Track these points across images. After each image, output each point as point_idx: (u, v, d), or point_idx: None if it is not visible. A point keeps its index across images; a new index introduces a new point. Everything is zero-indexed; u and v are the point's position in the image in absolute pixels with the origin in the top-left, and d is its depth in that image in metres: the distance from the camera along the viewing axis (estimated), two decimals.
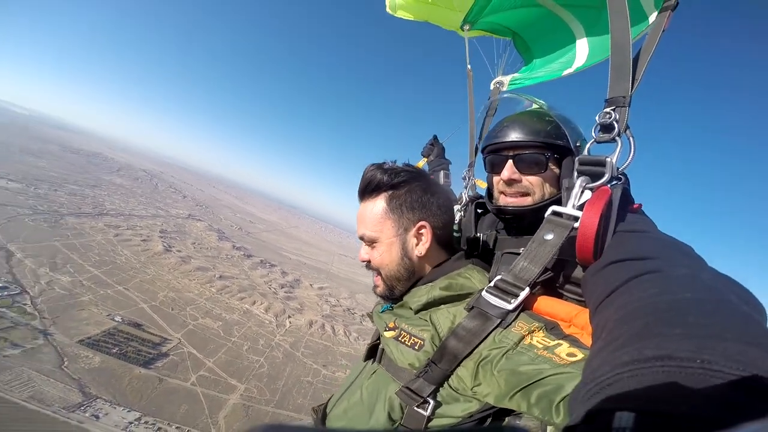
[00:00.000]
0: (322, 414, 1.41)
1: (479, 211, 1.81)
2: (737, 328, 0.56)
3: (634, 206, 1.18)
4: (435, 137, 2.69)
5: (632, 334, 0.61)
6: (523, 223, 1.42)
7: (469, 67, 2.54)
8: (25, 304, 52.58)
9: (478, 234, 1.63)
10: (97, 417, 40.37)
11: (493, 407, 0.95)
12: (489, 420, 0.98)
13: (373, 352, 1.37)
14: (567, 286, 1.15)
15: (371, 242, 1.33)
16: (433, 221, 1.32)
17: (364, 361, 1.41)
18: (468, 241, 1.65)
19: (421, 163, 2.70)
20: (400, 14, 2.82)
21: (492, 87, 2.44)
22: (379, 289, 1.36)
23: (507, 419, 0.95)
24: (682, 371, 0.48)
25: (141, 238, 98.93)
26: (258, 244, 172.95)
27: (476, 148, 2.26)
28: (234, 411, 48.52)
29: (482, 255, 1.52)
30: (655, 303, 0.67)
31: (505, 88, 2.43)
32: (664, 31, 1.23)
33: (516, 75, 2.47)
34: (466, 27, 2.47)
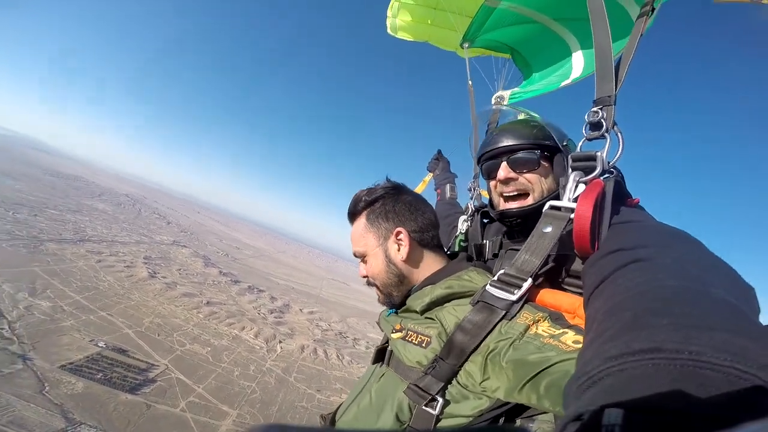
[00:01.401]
0: (330, 421, 1.43)
1: (485, 220, 1.89)
2: (723, 318, 0.55)
3: (632, 201, 1.21)
4: (439, 152, 2.78)
5: (621, 326, 0.60)
6: (527, 225, 1.41)
7: (470, 82, 2.59)
8: (2, 329, 49.71)
9: (484, 241, 1.69)
10: None
11: (505, 404, 0.95)
12: (502, 420, 0.96)
13: (382, 355, 1.39)
14: (568, 280, 1.18)
15: (362, 257, 1.42)
16: (409, 226, 1.38)
17: (373, 364, 1.43)
18: (475, 248, 1.71)
19: (428, 178, 2.74)
20: (401, 35, 2.91)
21: (493, 101, 2.50)
22: (380, 299, 1.42)
23: (519, 422, 0.94)
24: (670, 363, 0.47)
25: (125, 264, 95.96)
26: (245, 269, 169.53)
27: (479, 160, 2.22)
28: None
29: (489, 261, 1.60)
30: (643, 293, 0.67)
31: (506, 102, 2.49)
32: (642, 35, 1.31)
33: (516, 89, 2.54)
34: (466, 45, 2.58)
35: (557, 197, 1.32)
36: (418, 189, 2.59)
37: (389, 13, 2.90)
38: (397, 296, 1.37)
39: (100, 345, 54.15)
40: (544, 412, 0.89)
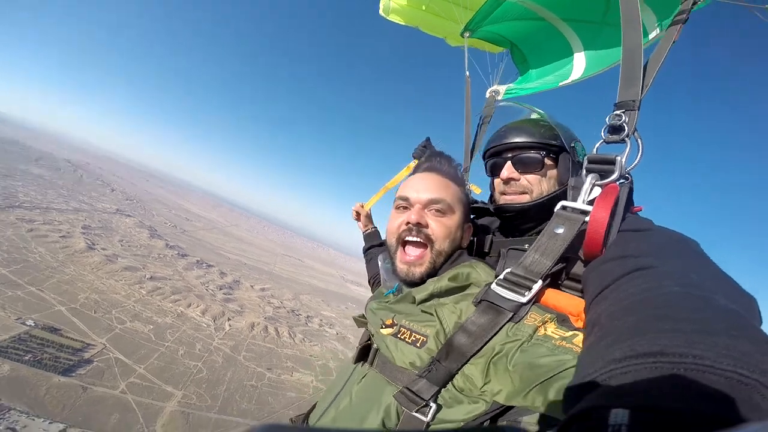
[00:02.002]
0: (303, 423, 1.39)
1: (472, 215, 1.86)
2: (726, 324, 0.56)
3: (635, 209, 1.22)
4: (428, 139, 2.66)
5: (624, 330, 0.61)
6: (524, 221, 1.50)
7: (467, 73, 2.58)
8: None
9: (473, 238, 1.66)
10: (14, 430, 35.58)
11: (501, 407, 0.93)
12: (487, 422, 0.96)
13: (364, 353, 1.31)
14: (567, 282, 1.16)
15: (444, 211, 1.29)
16: (476, 235, 1.47)
17: (354, 363, 1.35)
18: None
19: (412, 164, 2.62)
20: (393, 18, 2.88)
21: (488, 95, 2.53)
22: (424, 265, 1.25)
23: (504, 423, 0.94)
24: (674, 367, 0.48)
25: (60, 234, 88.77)
26: (194, 242, 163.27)
27: (471, 153, 2.39)
28: (172, 419, 45.43)
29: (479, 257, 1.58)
30: (647, 299, 0.68)
31: (500, 97, 2.51)
32: (674, 42, 1.30)
33: (511, 85, 2.55)
34: (467, 34, 2.54)
35: (557, 197, 1.33)
36: (401, 175, 2.61)
37: None
38: (437, 266, 1.27)
39: (29, 324, 50.59)
40: (530, 413, 0.89)
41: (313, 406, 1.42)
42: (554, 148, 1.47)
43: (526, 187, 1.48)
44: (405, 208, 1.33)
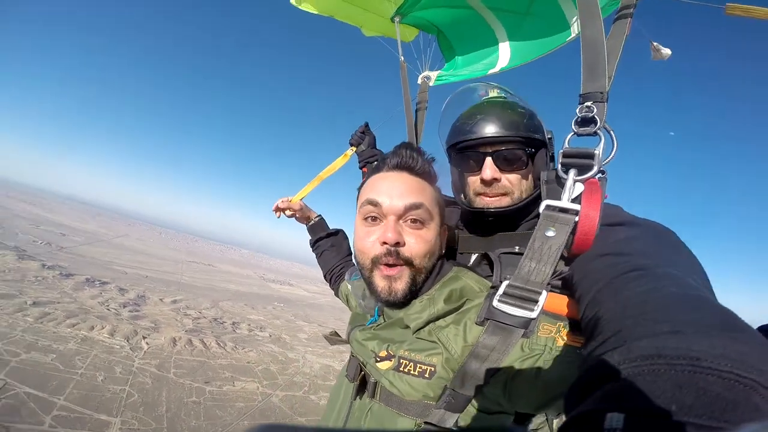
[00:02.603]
0: None
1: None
2: (723, 324, 0.56)
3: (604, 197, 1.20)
4: (366, 125, 2.48)
5: (623, 333, 0.61)
6: (503, 224, 1.41)
7: (402, 59, 2.48)
8: None
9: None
10: None
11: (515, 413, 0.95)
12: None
13: (362, 386, 1.21)
14: (551, 280, 1.07)
15: (424, 221, 1.11)
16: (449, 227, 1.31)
17: (353, 399, 1.25)
18: None
19: (350, 152, 2.45)
20: (305, 7, 2.70)
21: (420, 81, 2.46)
22: (403, 284, 1.09)
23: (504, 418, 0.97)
24: (671, 369, 0.48)
25: None
26: (77, 259, 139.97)
27: (416, 141, 2.27)
28: None
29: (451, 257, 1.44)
30: (645, 301, 0.68)
31: (431, 83, 2.45)
32: (627, 36, 1.26)
33: (441, 72, 2.53)
34: (397, 19, 2.48)
35: (539, 197, 1.26)
36: (337, 164, 2.44)
37: None
38: (418, 282, 1.11)
39: None
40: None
41: None
42: (537, 143, 1.37)
43: (508, 188, 1.36)
44: (375, 218, 1.12)
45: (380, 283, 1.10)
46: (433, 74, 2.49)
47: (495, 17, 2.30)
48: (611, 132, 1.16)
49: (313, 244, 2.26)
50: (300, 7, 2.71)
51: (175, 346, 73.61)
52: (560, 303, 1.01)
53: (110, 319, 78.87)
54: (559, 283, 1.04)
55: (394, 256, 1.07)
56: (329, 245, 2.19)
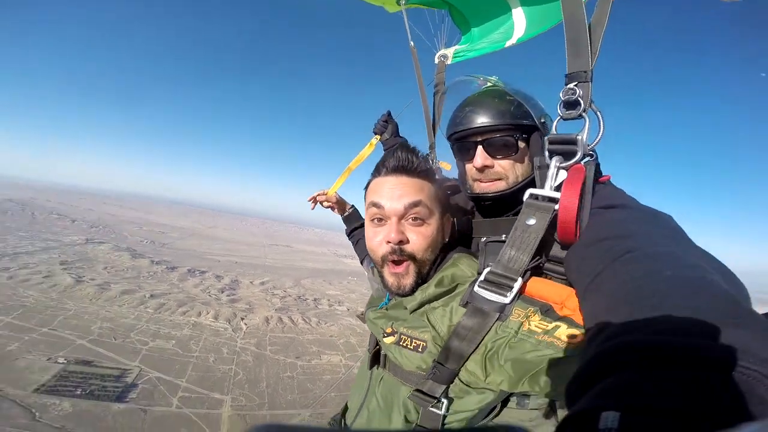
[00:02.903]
0: (340, 423, 1.49)
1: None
2: (721, 309, 0.54)
3: (603, 179, 1.19)
4: (389, 113, 2.50)
5: (619, 324, 0.59)
6: (501, 207, 1.46)
7: (411, 43, 2.43)
8: None
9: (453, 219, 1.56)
10: None
11: (509, 393, 1.01)
12: (498, 405, 1.04)
13: (377, 357, 1.38)
14: (548, 265, 1.12)
15: (424, 218, 1.23)
16: (455, 217, 1.40)
17: (369, 368, 1.41)
18: None
19: (374, 141, 2.48)
20: None
21: (437, 61, 2.38)
22: (409, 279, 1.23)
23: (516, 399, 1.03)
24: (668, 361, 0.46)
25: (41, 275, 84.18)
26: (178, 253, 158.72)
27: (433, 128, 2.27)
28: (233, 423, 46.27)
29: (460, 240, 1.51)
30: (640, 287, 0.66)
31: (449, 62, 2.39)
32: (611, 3, 1.17)
33: (458, 47, 2.44)
34: (403, 1, 2.42)
35: (533, 180, 1.29)
36: (364, 153, 2.47)
37: None
38: (424, 273, 1.25)
39: (60, 361, 49.62)
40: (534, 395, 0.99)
41: (346, 406, 1.54)
42: (526, 127, 1.40)
43: (501, 173, 1.41)
44: (380, 219, 1.26)
45: (390, 279, 1.26)
46: (450, 51, 2.40)
47: None
48: (598, 113, 1.13)
49: (349, 234, 2.45)
50: None
51: (268, 324, 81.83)
52: (542, 288, 1.04)
53: (212, 304, 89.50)
54: (561, 269, 1.06)
55: (398, 253, 1.21)
56: (363, 235, 2.36)
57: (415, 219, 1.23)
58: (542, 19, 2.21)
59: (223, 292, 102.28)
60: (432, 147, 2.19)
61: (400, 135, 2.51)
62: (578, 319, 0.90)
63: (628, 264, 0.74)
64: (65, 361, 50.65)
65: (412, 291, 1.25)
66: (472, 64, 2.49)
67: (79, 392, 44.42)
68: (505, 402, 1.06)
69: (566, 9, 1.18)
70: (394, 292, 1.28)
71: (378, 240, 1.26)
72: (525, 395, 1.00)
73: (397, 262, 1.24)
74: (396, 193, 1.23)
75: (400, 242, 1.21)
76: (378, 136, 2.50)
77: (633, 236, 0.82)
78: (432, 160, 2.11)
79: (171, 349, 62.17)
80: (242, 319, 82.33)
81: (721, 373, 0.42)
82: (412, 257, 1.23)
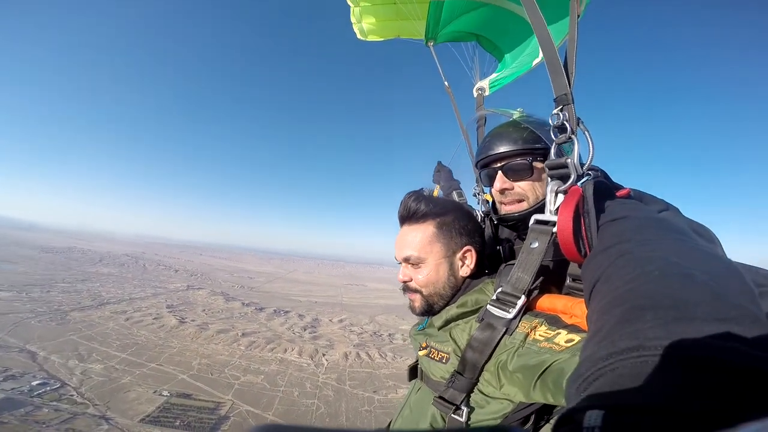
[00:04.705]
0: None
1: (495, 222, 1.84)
2: (706, 305, 0.54)
3: (622, 192, 1.21)
4: (439, 163, 2.74)
5: (610, 325, 0.60)
6: (525, 227, 1.44)
7: (446, 83, 2.51)
8: (72, 395, 51.37)
9: (498, 247, 1.69)
10: None
11: (530, 405, 1.03)
12: (531, 419, 1.05)
13: (414, 371, 1.56)
14: (572, 284, 1.19)
15: (417, 263, 1.40)
16: (476, 246, 1.44)
17: (410, 380, 1.59)
18: (490, 256, 1.70)
19: (436, 191, 2.59)
20: (372, 38, 2.85)
21: (475, 95, 2.44)
22: (417, 305, 1.43)
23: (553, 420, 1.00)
24: (653, 360, 0.46)
25: (152, 316, 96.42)
26: (265, 295, 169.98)
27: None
28: None
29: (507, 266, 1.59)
30: (631, 289, 0.67)
31: (487, 93, 2.43)
32: (579, 17, 1.24)
33: (493, 76, 2.47)
34: (431, 44, 2.55)
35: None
36: None
37: (353, 20, 2.79)
38: (438, 306, 1.41)
39: (164, 394, 54.83)
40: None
41: (391, 419, 1.60)
42: (540, 151, 1.45)
43: (522, 194, 1.48)
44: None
45: (408, 303, 1.48)
46: (486, 83, 2.44)
47: (513, 3, 2.25)
48: (586, 132, 1.19)
49: None
50: (368, 40, 2.84)
51: (347, 360, 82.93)
52: (554, 301, 1.13)
53: (296, 341, 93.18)
54: (581, 285, 1.09)
55: (406, 289, 1.45)
56: None
57: (413, 264, 1.42)
58: (559, 29, 2.16)
59: (305, 330, 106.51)
60: (478, 181, 2.16)
61: (455, 178, 2.63)
62: (584, 325, 0.96)
63: (620, 267, 0.77)
64: (168, 394, 55.81)
65: (423, 313, 1.44)
66: (508, 91, 2.53)
67: (178, 423, 48.57)
68: (538, 420, 1.08)
69: (537, 33, 1.24)
70: (412, 312, 1.48)
71: (399, 277, 1.50)
72: (551, 407, 1.03)
73: (410, 292, 1.46)
74: (398, 246, 1.46)
75: (405, 282, 1.45)
76: (438, 186, 2.65)
77: (626, 241, 0.86)
78: (479, 194, 2.18)
79: (260, 383, 65.20)
80: (323, 355, 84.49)
81: (702, 369, 0.42)
82: (417, 291, 1.42)
